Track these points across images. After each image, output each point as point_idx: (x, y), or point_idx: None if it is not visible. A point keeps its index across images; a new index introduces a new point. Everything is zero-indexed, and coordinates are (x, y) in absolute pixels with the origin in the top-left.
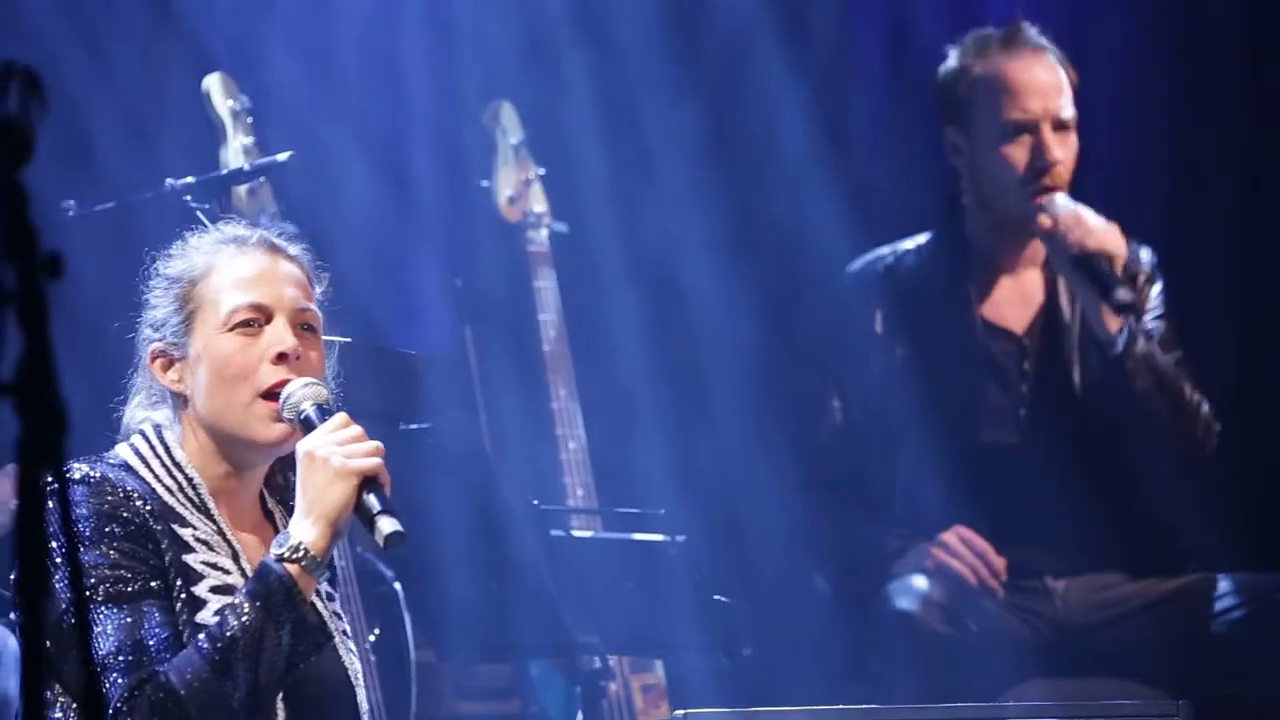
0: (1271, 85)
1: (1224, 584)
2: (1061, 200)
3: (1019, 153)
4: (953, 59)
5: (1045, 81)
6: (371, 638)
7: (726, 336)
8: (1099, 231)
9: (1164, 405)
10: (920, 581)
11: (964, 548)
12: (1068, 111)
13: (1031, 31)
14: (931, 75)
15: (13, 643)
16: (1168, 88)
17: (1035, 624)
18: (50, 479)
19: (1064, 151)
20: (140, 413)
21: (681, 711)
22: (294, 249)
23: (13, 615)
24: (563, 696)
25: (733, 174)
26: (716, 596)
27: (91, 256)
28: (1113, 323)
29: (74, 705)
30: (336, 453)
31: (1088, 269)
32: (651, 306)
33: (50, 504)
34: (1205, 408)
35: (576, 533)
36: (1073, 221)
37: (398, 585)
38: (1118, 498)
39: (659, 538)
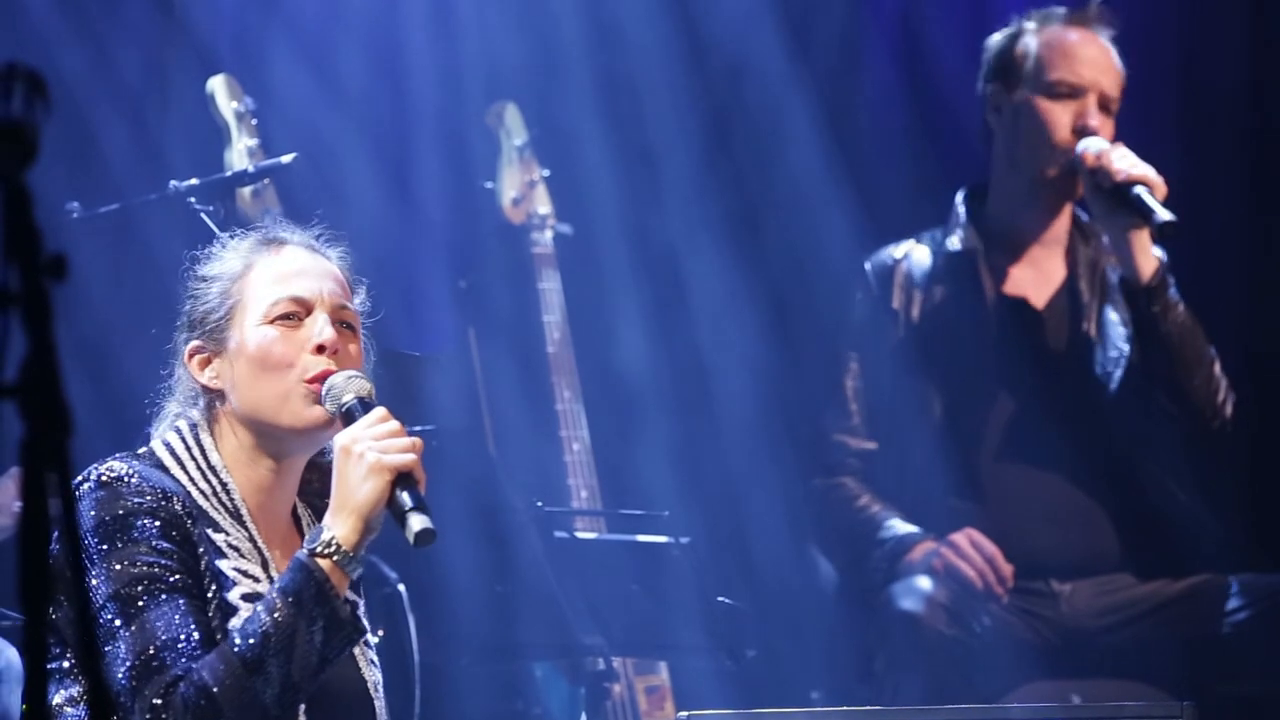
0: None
1: (1231, 585)
2: (1102, 140)
3: (1062, 114)
4: (1014, 26)
5: (1100, 59)
6: (375, 639)
7: (731, 338)
8: (1142, 164)
9: (1189, 353)
10: (924, 582)
11: (973, 551)
12: (1114, 92)
13: (1100, 14)
14: (938, 68)
15: (14, 657)
16: (1174, 85)
17: (1040, 627)
18: (73, 483)
19: (1103, 129)
20: (175, 408)
21: (686, 713)
22: (334, 252)
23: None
24: (567, 698)
25: (737, 175)
26: (720, 598)
27: (96, 258)
28: (1146, 265)
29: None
30: (372, 448)
31: (1129, 197)
32: (656, 308)
33: (81, 505)
34: (1223, 378)
35: (580, 534)
36: (1118, 153)
37: (402, 587)
38: (1127, 499)
39: (663, 539)
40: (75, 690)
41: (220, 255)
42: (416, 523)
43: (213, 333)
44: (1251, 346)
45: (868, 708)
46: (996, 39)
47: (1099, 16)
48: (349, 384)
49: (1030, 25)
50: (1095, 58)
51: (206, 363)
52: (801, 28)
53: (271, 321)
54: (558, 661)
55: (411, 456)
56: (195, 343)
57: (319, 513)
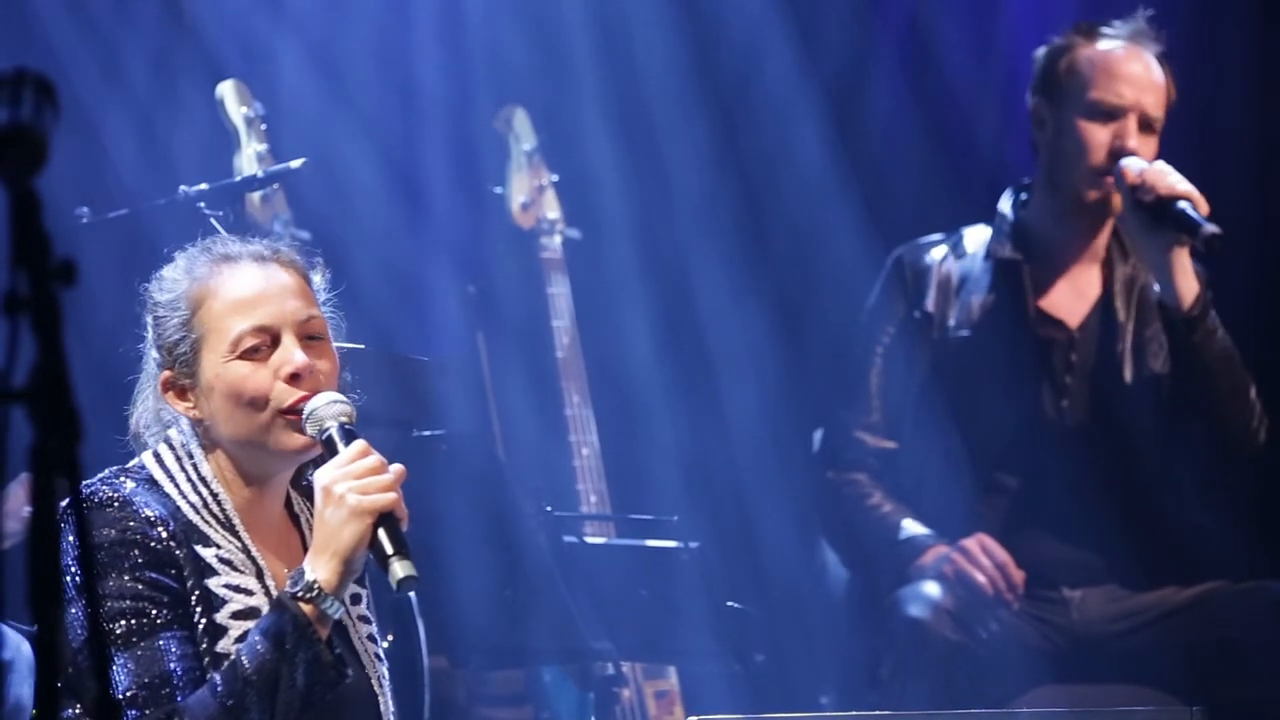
0: None
1: (1241, 591)
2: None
3: (1100, 135)
4: (1062, 37)
5: (1143, 76)
6: (384, 644)
7: (740, 342)
8: (1185, 181)
9: (1226, 382)
10: (932, 588)
11: (985, 558)
12: (1157, 112)
13: (1148, 28)
14: (946, 76)
15: (26, 649)
16: (1183, 104)
17: (1050, 633)
18: (67, 499)
19: (1144, 148)
20: (159, 414)
21: (695, 718)
22: (284, 253)
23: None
24: (576, 703)
25: (746, 179)
26: (729, 603)
27: (105, 263)
28: (1188, 290)
29: None
30: (353, 489)
31: (1172, 211)
32: (664, 313)
33: (65, 527)
34: (1258, 404)
35: (590, 539)
36: (1160, 170)
37: (411, 592)
38: (1140, 507)
39: (672, 544)
40: (70, 711)
41: (174, 278)
42: (399, 569)
43: (182, 366)
44: (1261, 356)
45: (876, 713)
46: (1044, 51)
47: (1145, 33)
48: (329, 409)
49: (1077, 39)
50: (1138, 76)
51: (182, 393)
52: (810, 33)
53: (239, 355)
54: (567, 666)
55: (392, 496)
56: (167, 374)
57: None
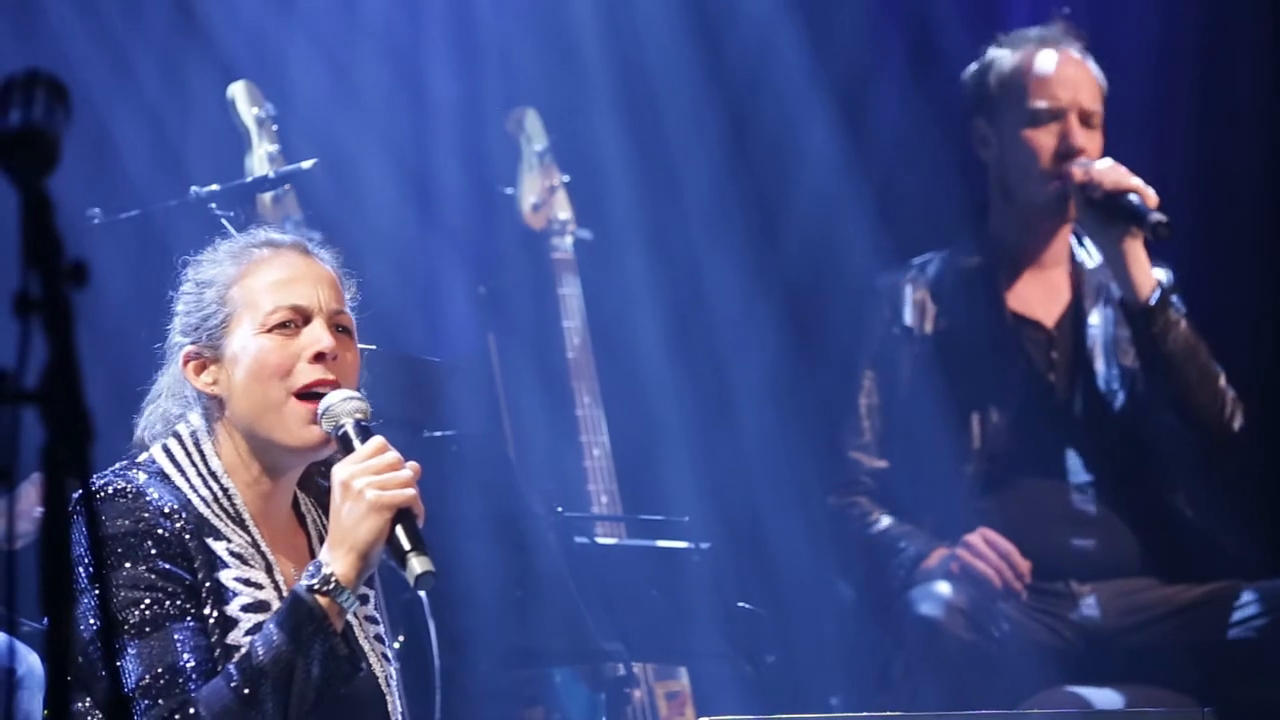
0: None
1: (1250, 591)
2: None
3: (1045, 139)
4: (985, 54)
5: (1074, 75)
6: (395, 645)
7: (750, 344)
8: (1131, 175)
9: (1192, 372)
10: (943, 588)
11: (989, 549)
12: (1094, 106)
13: (1064, 30)
14: (955, 81)
15: (36, 663)
16: (1191, 91)
17: (1060, 630)
18: (79, 495)
19: (1090, 143)
20: (174, 409)
21: (706, 718)
22: (326, 253)
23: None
24: (587, 704)
25: (756, 181)
26: (740, 603)
27: (117, 264)
28: (1144, 283)
29: None
30: (371, 484)
31: (1120, 204)
32: (675, 314)
33: (77, 520)
34: (1230, 391)
35: (600, 540)
36: (1107, 166)
37: (422, 593)
38: (1144, 503)
39: (683, 545)
40: (79, 705)
41: (215, 259)
42: (417, 565)
43: (209, 339)
44: (1270, 350)
45: (886, 713)
46: (971, 71)
47: (1066, 32)
48: (345, 405)
49: (1001, 53)
50: (1069, 76)
51: (202, 368)
52: (821, 37)
53: (269, 330)
54: (578, 667)
55: (411, 492)
56: (191, 348)
57: (324, 507)
